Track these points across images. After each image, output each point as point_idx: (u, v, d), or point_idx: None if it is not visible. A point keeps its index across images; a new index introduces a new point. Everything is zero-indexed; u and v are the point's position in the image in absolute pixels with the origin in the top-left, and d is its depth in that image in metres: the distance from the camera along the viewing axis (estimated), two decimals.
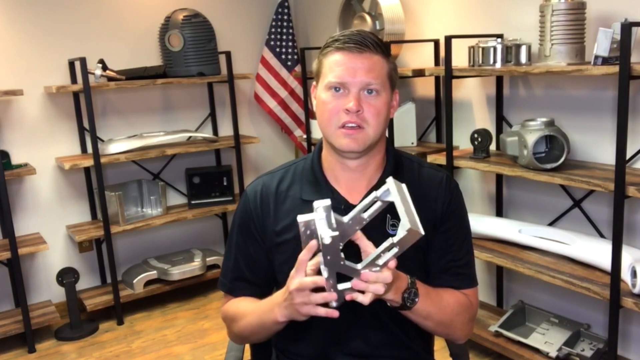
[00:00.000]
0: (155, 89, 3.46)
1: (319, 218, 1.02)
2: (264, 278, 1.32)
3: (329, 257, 1.01)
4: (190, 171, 3.49)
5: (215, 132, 3.66)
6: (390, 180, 1.05)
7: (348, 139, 1.19)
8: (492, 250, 2.43)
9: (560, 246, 2.29)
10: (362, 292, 1.05)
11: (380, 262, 1.02)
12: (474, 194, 2.89)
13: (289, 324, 1.27)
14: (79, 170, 3.25)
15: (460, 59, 2.60)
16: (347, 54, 1.18)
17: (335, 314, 1.06)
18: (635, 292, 1.93)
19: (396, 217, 1.24)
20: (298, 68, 3.70)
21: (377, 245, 1.05)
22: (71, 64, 3.14)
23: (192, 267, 3.33)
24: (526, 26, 2.45)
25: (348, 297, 1.05)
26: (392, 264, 1.04)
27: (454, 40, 2.40)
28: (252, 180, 1.37)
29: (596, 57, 1.95)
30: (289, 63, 3.71)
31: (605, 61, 1.93)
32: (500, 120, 2.66)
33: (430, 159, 2.60)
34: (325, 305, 1.07)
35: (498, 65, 2.36)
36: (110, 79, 3.10)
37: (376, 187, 1.25)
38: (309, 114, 3.45)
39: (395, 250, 1.01)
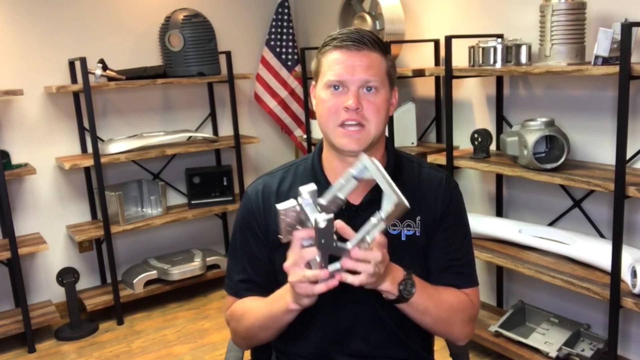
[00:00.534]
0: (155, 89, 3.46)
1: (306, 204, 1.02)
2: (269, 279, 1.31)
3: (323, 241, 1.01)
4: (190, 171, 3.49)
5: (215, 132, 3.66)
6: (364, 157, 1.05)
7: (347, 139, 1.19)
8: (492, 250, 2.43)
9: (560, 246, 2.29)
10: (354, 274, 1.04)
11: (369, 238, 1.02)
12: (474, 194, 2.89)
13: (288, 326, 1.26)
14: (79, 170, 3.25)
15: (460, 59, 2.60)
16: (345, 52, 1.18)
17: (334, 281, 1.03)
18: (635, 292, 1.93)
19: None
20: (298, 68, 3.70)
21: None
22: (71, 64, 3.14)
23: (192, 267, 3.33)
24: (526, 26, 2.45)
25: (337, 277, 1.03)
26: (380, 238, 1.04)
27: (454, 40, 2.40)
28: (252, 181, 1.37)
29: (596, 57, 1.94)
30: (289, 63, 3.71)
31: (606, 61, 1.93)
32: (501, 120, 2.66)
33: (430, 159, 2.60)
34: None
35: (498, 65, 2.36)
36: (110, 78, 3.10)
37: (377, 186, 1.26)
38: (309, 114, 3.45)
39: (382, 225, 1.01)
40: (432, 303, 1.20)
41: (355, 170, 1.05)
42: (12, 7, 2.99)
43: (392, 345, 1.28)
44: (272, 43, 3.69)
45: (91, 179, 3.28)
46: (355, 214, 1.24)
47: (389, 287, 1.12)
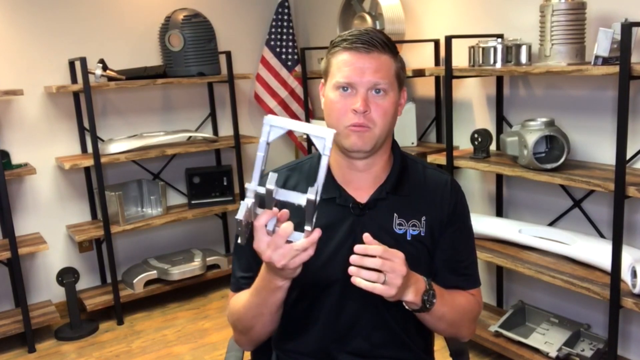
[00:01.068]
0: (155, 89, 3.46)
1: (251, 196, 1.01)
2: None
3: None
4: (190, 171, 3.49)
5: (215, 132, 3.66)
6: (266, 118, 1.04)
7: (355, 136, 1.19)
8: (492, 250, 2.43)
9: (560, 246, 2.29)
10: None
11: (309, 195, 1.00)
12: (474, 194, 2.89)
13: (289, 323, 1.26)
14: (79, 170, 3.25)
15: (460, 59, 2.60)
16: (355, 54, 1.19)
17: (316, 232, 1.02)
18: (635, 292, 1.93)
19: (403, 217, 1.25)
20: (298, 68, 3.69)
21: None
22: (71, 64, 3.14)
23: (192, 267, 3.33)
24: (526, 26, 2.45)
25: (317, 231, 1.02)
26: (399, 253, 1.07)
27: (454, 40, 2.40)
28: None
29: (596, 57, 1.95)
30: (289, 63, 3.71)
31: (606, 61, 1.94)
32: (501, 120, 2.66)
33: (430, 159, 2.60)
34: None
35: (498, 65, 2.36)
36: (110, 78, 3.10)
37: (384, 185, 1.26)
38: (309, 114, 3.45)
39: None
40: (448, 309, 1.21)
41: (264, 136, 1.03)
42: (12, 7, 2.99)
43: (393, 345, 1.29)
44: (272, 43, 3.69)
45: (91, 179, 3.28)
46: (362, 212, 1.24)
47: (413, 299, 1.12)
